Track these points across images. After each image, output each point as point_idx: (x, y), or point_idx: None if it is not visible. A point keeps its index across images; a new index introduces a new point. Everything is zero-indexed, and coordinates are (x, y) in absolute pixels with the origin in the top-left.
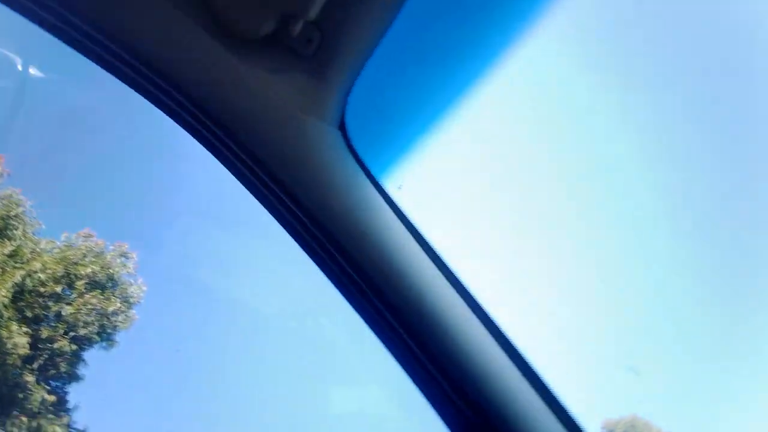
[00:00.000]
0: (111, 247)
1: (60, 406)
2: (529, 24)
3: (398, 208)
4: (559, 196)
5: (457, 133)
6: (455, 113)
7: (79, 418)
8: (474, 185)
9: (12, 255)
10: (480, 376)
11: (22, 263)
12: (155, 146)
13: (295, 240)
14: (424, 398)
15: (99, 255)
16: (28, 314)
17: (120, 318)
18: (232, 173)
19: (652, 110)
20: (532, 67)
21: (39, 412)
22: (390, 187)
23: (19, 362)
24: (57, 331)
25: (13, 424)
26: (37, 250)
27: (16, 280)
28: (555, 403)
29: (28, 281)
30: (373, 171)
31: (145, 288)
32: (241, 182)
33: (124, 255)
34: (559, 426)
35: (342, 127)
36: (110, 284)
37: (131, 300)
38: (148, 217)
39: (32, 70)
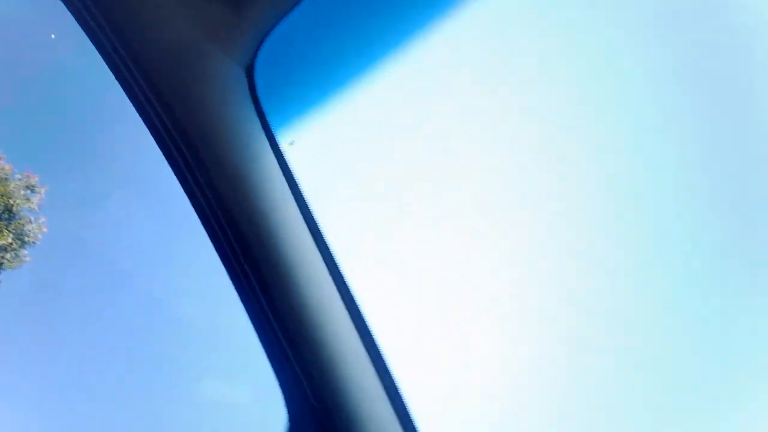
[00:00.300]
0: (18, 176)
1: None
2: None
3: (285, 163)
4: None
5: (372, 102)
6: (374, 81)
7: None
8: (377, 161)
9: None
10: (334, 368)
11: None
12: (99, 85)
13: (170, 164)
14: (276, 379)
15: (2, 180)
16: None
17: (8, 255)
18: (120, 82)
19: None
20: (468, 36)
21: None
22: (282, 141)
23: None
24: None
25: None
26: None
27: None
28: (403, 412)
29: None
30: (271, 121)
31: (45, 230)
32: (127, 95)
33: (30, 187)
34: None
35: (249, 70)
36: (6, 215)
37: (26, 239)
38: (72, 157)
39: None
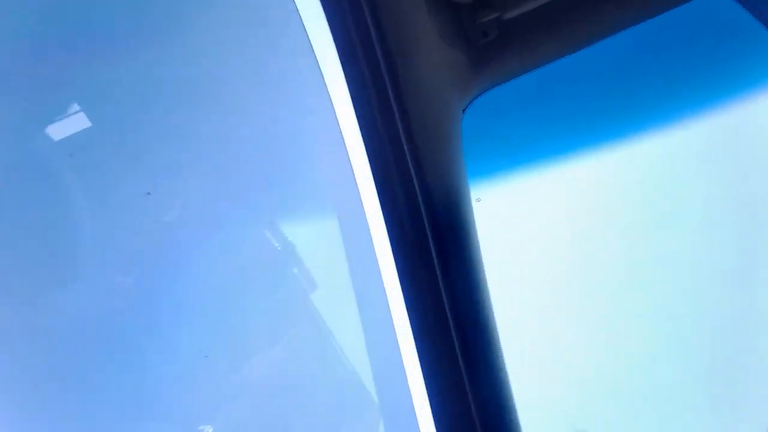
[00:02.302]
0: None
1: None
2: None
3: (470, 212)
4: None
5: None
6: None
7: None
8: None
9: None
10: None
11: None
12: None
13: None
14: None
15: None
16: None
17: None
18: (352, 82)
19: None
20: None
21: None
22: (471, 193)
23: None
24: None
25: None
26: None
27: None
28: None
29: None
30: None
31: None
32: (355, 96)
33: None
34: None
35: (463, 112)
36: None
37: None
38: None
39: None
